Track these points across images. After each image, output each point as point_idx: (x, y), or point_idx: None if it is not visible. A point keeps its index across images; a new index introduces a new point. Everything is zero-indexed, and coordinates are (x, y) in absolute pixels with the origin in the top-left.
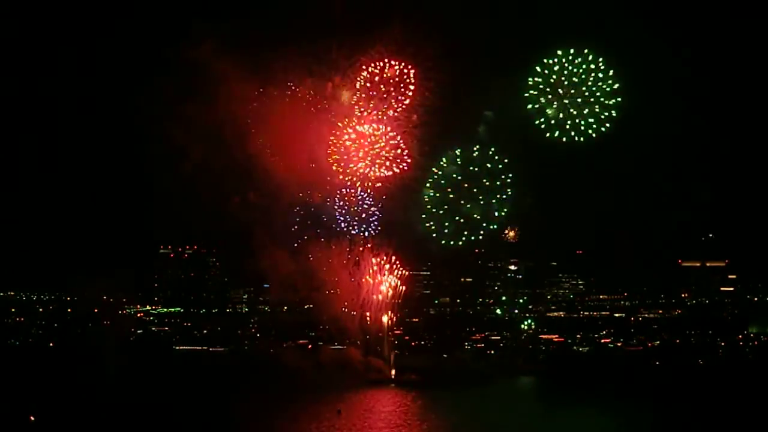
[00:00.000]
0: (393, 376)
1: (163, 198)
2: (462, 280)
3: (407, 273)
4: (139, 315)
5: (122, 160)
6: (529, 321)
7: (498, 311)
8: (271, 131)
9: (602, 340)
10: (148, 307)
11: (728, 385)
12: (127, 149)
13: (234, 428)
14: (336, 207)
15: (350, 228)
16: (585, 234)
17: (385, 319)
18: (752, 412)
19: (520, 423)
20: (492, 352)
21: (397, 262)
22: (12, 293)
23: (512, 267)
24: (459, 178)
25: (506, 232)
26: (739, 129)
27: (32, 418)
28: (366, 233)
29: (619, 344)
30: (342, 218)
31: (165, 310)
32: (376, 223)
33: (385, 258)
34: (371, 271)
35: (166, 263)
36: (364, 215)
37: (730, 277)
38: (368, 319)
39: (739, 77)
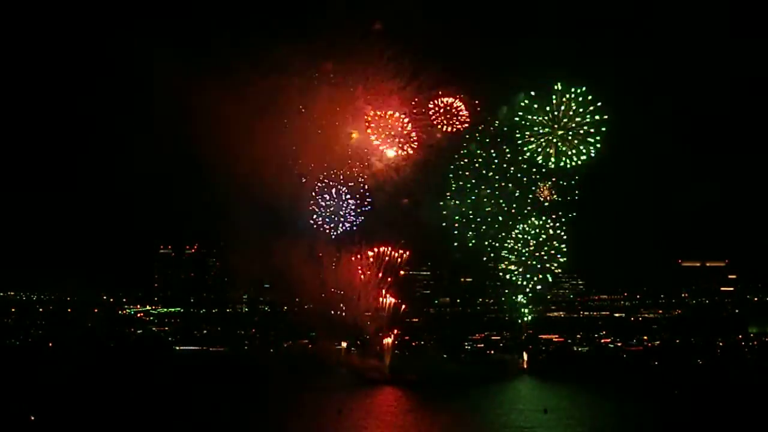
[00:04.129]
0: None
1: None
2: (462, 280)
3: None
4: (139, 315)
5: (122, 160)
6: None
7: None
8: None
9: (602, 340)
10: (148, 307)
11: (727, 384)
12: (124, 149)
13: (234, 428)
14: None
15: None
16: (585, 234)
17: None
18: (751, 412)
19: (520, 423)
20: (492, 352)
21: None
22: (12, 293)
23: (512, 267)
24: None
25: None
26: (738, 129)
27: (32, 418)
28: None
29: (619, 344)
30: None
31: (165, 310)
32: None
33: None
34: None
35: (166, 263)
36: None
37: (730, 277)
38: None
39: (738, 78)
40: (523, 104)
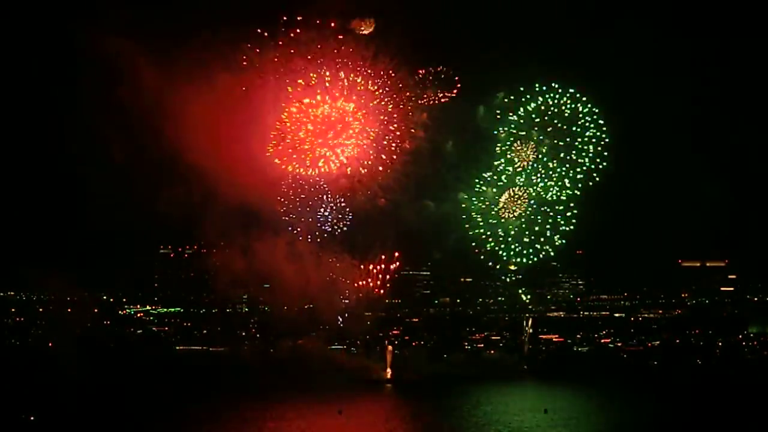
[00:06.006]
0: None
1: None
2: (462, 280)
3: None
4: (139, 315)
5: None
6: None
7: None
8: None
9: (602, 340)
10: (148, 307)
11: (727, 384)
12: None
13: (234, 428)
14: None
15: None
16: (585, 234)
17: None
18: (751, 413)
19: (520, 423)
20: (492, 352)
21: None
22: (12, 293)
23: (512, 267)
24: None
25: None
26: (738, 129)
27: (32, 418)
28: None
29: (619, 344)
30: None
31: (165, 310)
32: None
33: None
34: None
35: (166, 263)
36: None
37: (730, 277)
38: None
39: (738, 76)
40: (506, 102)
